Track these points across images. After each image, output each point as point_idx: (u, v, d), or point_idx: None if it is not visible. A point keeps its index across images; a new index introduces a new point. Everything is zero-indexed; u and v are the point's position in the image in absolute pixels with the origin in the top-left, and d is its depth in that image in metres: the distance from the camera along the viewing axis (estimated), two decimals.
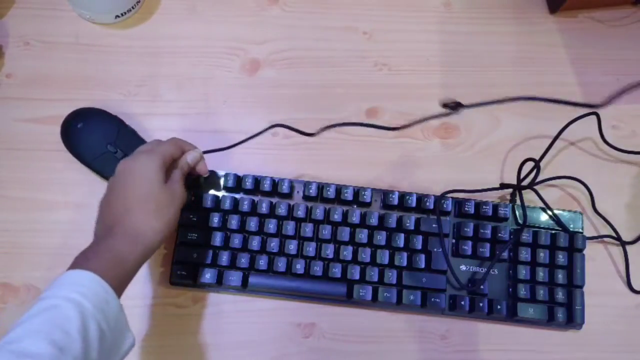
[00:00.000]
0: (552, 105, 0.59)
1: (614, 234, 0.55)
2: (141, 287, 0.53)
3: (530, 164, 0.55)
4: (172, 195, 0.44)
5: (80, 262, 0.39)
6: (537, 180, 0.54)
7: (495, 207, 0.54)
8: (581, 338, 0.53)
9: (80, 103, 0.58)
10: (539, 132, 0.59)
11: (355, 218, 0.53)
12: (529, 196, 0.55)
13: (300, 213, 0.53)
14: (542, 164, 0.55)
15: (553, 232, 0.54)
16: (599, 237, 0.55)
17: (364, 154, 0.58)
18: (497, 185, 0.56)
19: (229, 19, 0.62)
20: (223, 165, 0.56)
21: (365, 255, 0.52)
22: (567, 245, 0.53)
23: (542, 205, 0.55)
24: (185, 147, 0.49)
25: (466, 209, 0.54)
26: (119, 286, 0.39)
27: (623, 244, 0.55)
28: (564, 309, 0.51)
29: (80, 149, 0.55)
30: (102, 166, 0.54)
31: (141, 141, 0.56)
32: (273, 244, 0.52)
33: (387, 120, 0.59)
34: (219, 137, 0.58)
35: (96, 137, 0.55)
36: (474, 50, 0.62)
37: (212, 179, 0.54)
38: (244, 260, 0.51)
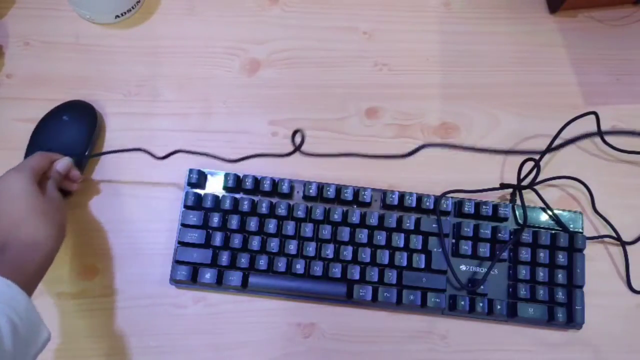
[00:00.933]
0: (552, 104, 0.60)
1: (614, 234, 0.55)
2: (141, 287, 0.53)
3: (530, 164, 0.55)
4: (54, 202, 0.47)
5: None
6: (537, 180, 0.54)
7: (495, 207, 0.54)
8: (581, 338, 0.53)
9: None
10: (539, 132, 0.59)
11: (355, 218, 0.53)
12: (529, 196, 0.55)
13: (300, 213, 0.53)
14: (542, 163, 0.55)
15: (553, 232, 0.54)
16: (599, 237, 0.55)
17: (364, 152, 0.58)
18: (497, 185, 0.56)
19: (229, 19, 0.62)
20: (223, 165, 0.56)
21: (365, 255, 0.52)
22: (567, 245, 0.53)
23: (542, 205, 0.55)
24: (54, 158, 0.50)
25: (466, 209, 0.54)
26: (26, 289, 0.41)
27: (623, 244, 0.55)
28: (564, 309, 0.51)
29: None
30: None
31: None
32: (273, 244, 0.52)
33: (387, 120, 0.59)
34: (219, 137, 0.58)
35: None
36: (473, 50, 0.62)
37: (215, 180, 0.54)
38: (244, 260, 0.51)
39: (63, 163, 0.50)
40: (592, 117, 0.56)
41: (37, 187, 0.46)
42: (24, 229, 0.43)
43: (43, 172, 0.48)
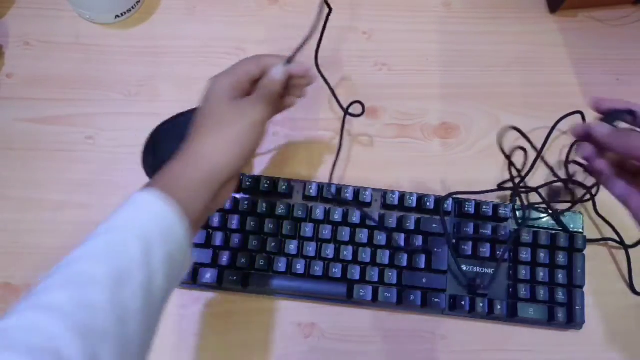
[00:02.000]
0: (552, 104, 0.60)
1: (616, 237, 0.55)
2: None
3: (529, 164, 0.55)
4: (239, 114, 0.39)
5: (151, 184, 0.36)
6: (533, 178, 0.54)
7: (496, 207, 0.54)
8: (581, 338, 0.53)
9: (80, 103, 0.58)
10: (539, 132, 0.59)
11: (355, 218, 0.53)
12: (529, 196, 0.55)
13: (300, 213, 0.53)
14: (542, 163, 0.55)
15: (553, 232, 0.54)
16: (601, 240, 0.55)
17: (364, 154, 0.58)
18: (497, 185, 0.56)
19: (229, 19, 0.62)
20: None
21: (365, 255, 0.52)
22: (567, 245, 0.53)
23: (542, 205, 0.55)
24: (267, 63, 0.41)
25: (466, 209, 0.54)
26: (187, 208, 0.35)
27: (626, 247, 0.55)
28: (564, 309, 0.51)
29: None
30: None
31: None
32: (273, 244, 0.52)
33: (387, 120, 0.59)
34: None
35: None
36: (473, 50, 0.62)
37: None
38: (244, 260, 0.51)
39: (278, 70, 0.40)
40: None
41: (230, 92, 0.40)
42: (196, 136, 0.39)
43: (251, 79, 0.41)
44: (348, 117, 0.57)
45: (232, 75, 0.41)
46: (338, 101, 0.57)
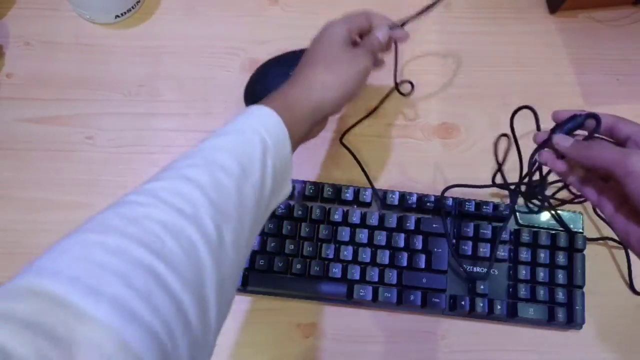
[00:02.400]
0: (552, 105, 0.59)
1: (616, 237, 0.55)
2: None
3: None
4: (352, 59, 0.43)
5: (263, 102, 0.39)
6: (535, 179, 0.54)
7: (496, 207, 0.54)
8: (581, 338, 0.53)
9: (80, 103, 0.58)
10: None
11: (355, 218, 0.53)
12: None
13: (300, 213, 0.53)
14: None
15: (553, 232, 0.54)
16: (600, 239, 0.55)
17: (364, 154, 0.58)
18: (497, 185, 0.56)
19: (229, 19, 0.62)
20: None
21: (365, 255, 0.52)
22: (567, 245, 0.53)
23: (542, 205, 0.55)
24: (375, 21, 0.46)
25: (466, 208, 0.54)
26: (292, 131, 0.38)
27: (625, 247, 0.55)
28: (564, 309, 0.51)
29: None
30: None
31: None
32: (273, 244, 0.52)
33: (387, 120, 0.59)
34: None
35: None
36: (474, 50, 0.62)
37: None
38: None
39: (383, 32, 0.46)
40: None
41: (346, 37, 0.43)
42: (309, 68, 0.42)
43: (361, 31, 0.45)
44: (348, 117, 0.57)
45: (348, 23, 0.44)
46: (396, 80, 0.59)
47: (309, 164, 0.57)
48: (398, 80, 0.59)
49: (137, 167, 0.56)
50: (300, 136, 0.40)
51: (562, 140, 0.39)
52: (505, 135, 0.56)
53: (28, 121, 0.57)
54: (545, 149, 0.40)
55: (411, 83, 0.60)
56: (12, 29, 0.61)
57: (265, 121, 0.37)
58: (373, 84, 0.61)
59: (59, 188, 0.55)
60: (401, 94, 0.59)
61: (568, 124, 0.40)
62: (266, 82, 0.56)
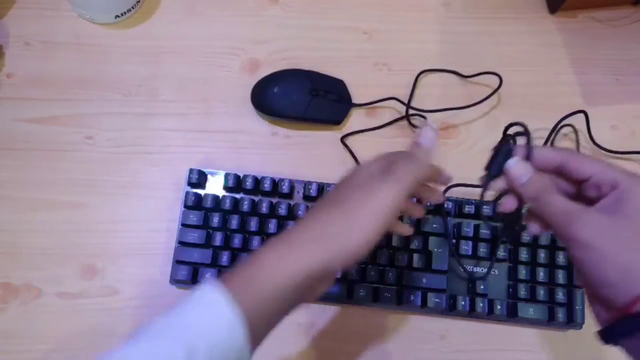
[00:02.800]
0: (551, 105, 0.59)
1: None
2: (141, 287, 0.53)
3: None
4: (374, 191, 0.33)
5: (227, 276, 0.32)
6: None
7: (496, 207, 0.54)
8: (581, 338, 0.53)
9: (80, 103, 0.58)
10: (539, 132, 0.59)
11: None
12: None
13: (300, 213, 0.53)
14: None
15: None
16: None
17: (364, 154, 0.58)
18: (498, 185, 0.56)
19: (229, 19, 0.62)
20: (223, 165, 0.56)
21: None
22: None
23: None
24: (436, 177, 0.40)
25: (466, 209, 0.54)
26: (262, 312, 0.31)
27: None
28: (564, 309, 0.51)
29: (288, 108, 0.57)
30: (316, 112, 0.57)
31: (331, 78, 0.59)
32: None
33: (387, 120, 0.59)
34: (219, 137, 0.58)
35: (296, 92, 0.57)
36: (473, 50, 0.62)
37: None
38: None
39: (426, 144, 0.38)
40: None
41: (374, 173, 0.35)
42: (323, 215, 0.34)
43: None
44: (348, 117, 0.57)
45: (406, 190, 0.34)
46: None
47: (309, 164, 0.57)
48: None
49: (137, 167, 0.56)
50: (285, 313, 0.33)
51: (527, 193, 0.33)
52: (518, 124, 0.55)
53: (27, 121, 0.57)
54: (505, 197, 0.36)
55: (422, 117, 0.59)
56: (12, 29, 0.61)
57: (203, 316, 0.30)
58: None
59: (58, 188, 0.55)
60: (412, 125, 0.59)
61: (498, 159, 0.35)
62: (271, 90, 0.57)
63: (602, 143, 0.58)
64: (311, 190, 0.53)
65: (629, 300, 0.29)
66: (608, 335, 0.32)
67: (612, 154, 0.58)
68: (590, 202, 0.32)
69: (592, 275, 0.30)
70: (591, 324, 0.52)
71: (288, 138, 0.58)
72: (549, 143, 0.57)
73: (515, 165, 0.34)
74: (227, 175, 0.54)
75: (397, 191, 0.34)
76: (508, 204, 0.36)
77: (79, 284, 0.53)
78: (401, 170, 0.34)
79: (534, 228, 0.36)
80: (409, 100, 0.59)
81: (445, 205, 0.54)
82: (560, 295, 0.52)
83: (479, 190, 0.39)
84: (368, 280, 0.52)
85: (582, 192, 0.34)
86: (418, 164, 0.36)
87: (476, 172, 0.57)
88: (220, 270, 0.51)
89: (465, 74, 0.60)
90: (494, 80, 0.59)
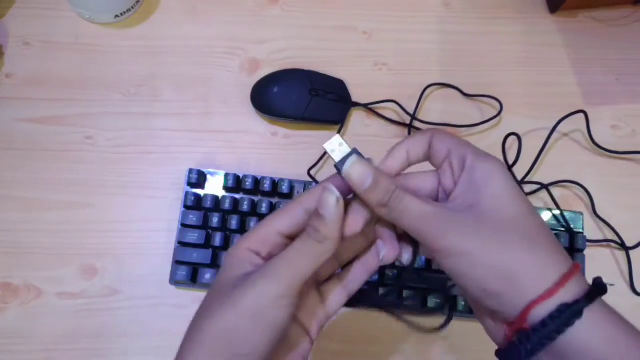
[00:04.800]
0: (551, 104, 0.60)
1: (617, 239, 0.55)
2: (141, 287, 0.53)
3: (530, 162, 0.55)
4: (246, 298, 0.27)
5: None
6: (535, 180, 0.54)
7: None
8: None
9: (80, 103, 0.58)
10: (539, 132, 0.59)
11: None
12: (529, 196, 0.55)
13: None
14: (542, 164, 0.55)
15: (554, 232, 0.54)
16: (602, 242, 0.55)
17: (364, 154, 0.58)
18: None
19: (229, 19, 0.62)
20: (223, 165, 0.56)
21: None
22: (568, 245, 0.53)
23: (542, 205, 0.55)
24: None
25: None
26: None
27: (627, 249, 0.54)
28: None
29: (288, 108, 0.57)
30: (316, 112, 0.57)
31: (331, 78, 0.59)
32: None
33: (387, 119, 0.59)
34: (219, 137, 0.58)
35: (296, 92, 0.57)
36: (473, 50, 0.62)
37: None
38: None
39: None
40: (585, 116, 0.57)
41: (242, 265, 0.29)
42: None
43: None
44: (348, 117, 0.57)
45: (247, 239, 0.30)
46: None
47: (309, 164, 0.57)
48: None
49: (136, 167, 0.56)
50: None
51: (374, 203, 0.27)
52: (513, 134, 0.55)
53: (27, 121, 0.57)
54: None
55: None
56: (12, 29, 0.61)
57: None
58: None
59: (58, 188, 0.55)
60: (415, 128, 0.59)
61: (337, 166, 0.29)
62: (271, 90, 0.57)
63: (602, 143, 0.58)
64: None
65: (518, 312, 0.25)
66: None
67: (612, 154, 0.58)
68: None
69: (472, 287, 0.25)
70: None
71: (288, 138, 0.58)
72: (549, 143, 0.57)
73: (352, 167, 0.27)
74: (226, 176, 0.54)
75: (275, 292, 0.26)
76: (352, 223, 0.28)
77: (79, 284, 0.53)
78: (281, 261, 0.27)
79: (406, 254, 0.30)
80: (415, 112, 0.58)
81: None
82: None
83: None
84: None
85: (440, 180, 0.29)
86: (314, 250, 0.27)
87: None
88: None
89: (465, 73, 0.60)
90: (496, 93, 0.59)
